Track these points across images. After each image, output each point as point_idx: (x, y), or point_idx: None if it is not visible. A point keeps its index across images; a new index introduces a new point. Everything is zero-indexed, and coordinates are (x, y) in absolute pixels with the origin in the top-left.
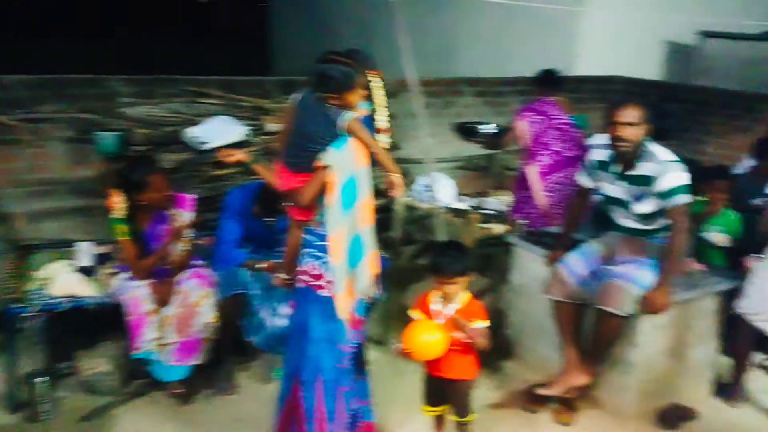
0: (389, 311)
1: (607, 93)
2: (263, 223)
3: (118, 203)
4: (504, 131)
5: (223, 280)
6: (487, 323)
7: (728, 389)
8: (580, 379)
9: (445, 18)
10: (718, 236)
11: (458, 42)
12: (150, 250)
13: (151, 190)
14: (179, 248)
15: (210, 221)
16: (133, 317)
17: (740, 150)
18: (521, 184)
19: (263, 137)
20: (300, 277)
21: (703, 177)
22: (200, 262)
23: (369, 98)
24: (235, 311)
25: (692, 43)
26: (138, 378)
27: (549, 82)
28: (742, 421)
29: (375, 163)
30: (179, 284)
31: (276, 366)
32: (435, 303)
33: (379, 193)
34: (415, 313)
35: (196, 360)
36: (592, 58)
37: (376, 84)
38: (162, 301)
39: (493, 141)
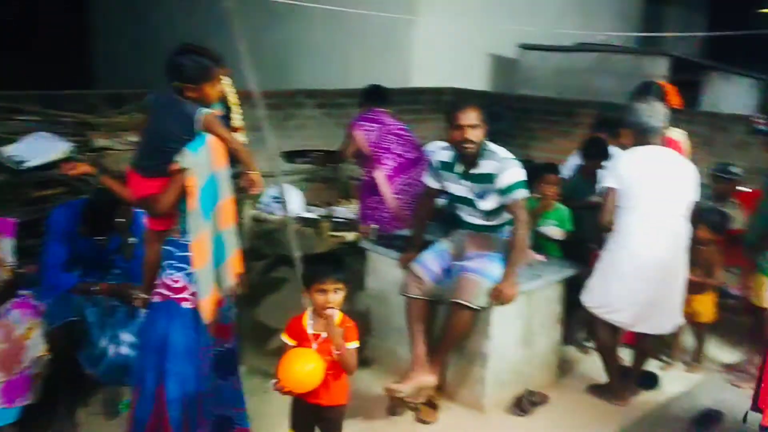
0: (241, 327)
1: (440, 104)
2: (93, 242)
3: None
4: (330, 152)
5: (52, 308)
6: (357, 344)
7: (606, 389)
8: (427, 379)
9: (281, 29)
10: (553, 230)
11: (295, 53)
12: None
13: None
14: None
15: (33, 247)
16: None
17: (563, 152)
18: (368, 191)
19: (90, 154)
20: (159, 291)
21: (534, 174)
22: (25, 291)
23: (222, 99)
24: (68, 341)
25: (513, 55)
26: None
27: (377, 96)
28: (588, 401)
29: (234, 161)
30: (1, 317)
31: (122, 398)
32: (311, 325)
33: (239, 190)
34: (286, 339)
35: (26, 400)
36: (426, 70)
37: (227, 83)
38: None
39: (328, 158)
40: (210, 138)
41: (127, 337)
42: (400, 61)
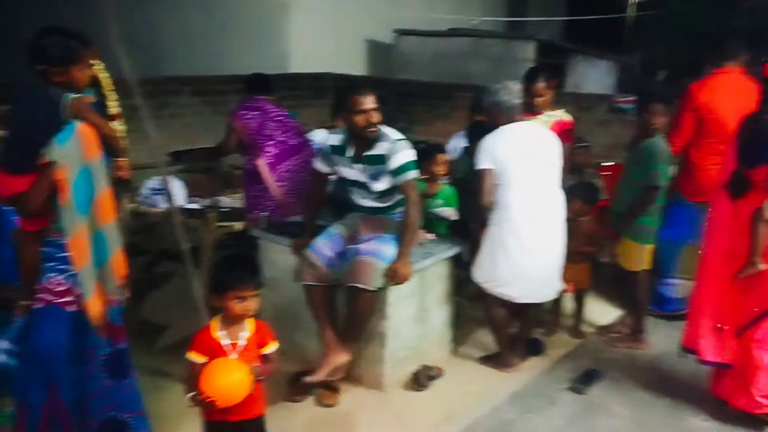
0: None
1: (319, 90)
2: None
3: None
4: (215, 148)
5: None
6: (277, 345)
7: (496, 358)
8: (342, 357)
9: (153, 13)
10: (447, 210)
11: (169, 39)
12: None
13: None
14: None
15: None
16: None
17: (444, 134)
18: (252, 179)
19: None
20: (41, 296)
21: (423, 155)
22: None
23: (94, 85)
24: None
25: (390, 40)
26: None
27: (259, 85)
28: (481, 371)
29: (109, 149)
30: None
31: (2, 409)
32: (225, 336)
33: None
34: (195, 356)
35: None
36: (304, 55)
37: (99, 67)
38: None
39: (214, 152)
40: (80, 126)
41: (2, 344)
42: (278, 47)
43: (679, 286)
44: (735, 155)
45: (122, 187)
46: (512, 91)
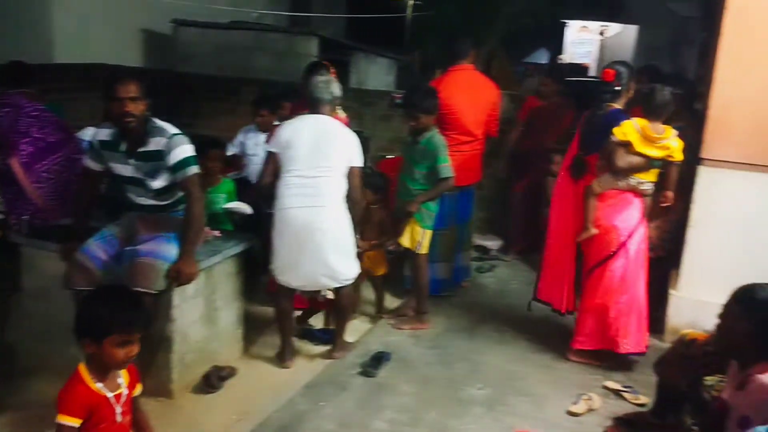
0: None
1: (91, 81)
2: None
3: None
4: None
5: None
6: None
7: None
8: None
9: None
10: (241, 205)
11: None
12: None
13: None
14: None
15: None
16: None
17: (230, 129)
18: (6, 181)
19: None
20: None
21: (199, 150)
22: None
23: None
24: None
25: (168, 31)
26: None
27: (14, 76)
28: (274, 370)
29: None
30: None
31: None
32: (104, 387)
33: None
34: (70, 420)
35: None
36: (72, 44)
37: None
38: None
39: None
40: None
41: None
42: (39, 34)
43: (439, 269)
44: (576, 144)
45: None
46: (329, 86)
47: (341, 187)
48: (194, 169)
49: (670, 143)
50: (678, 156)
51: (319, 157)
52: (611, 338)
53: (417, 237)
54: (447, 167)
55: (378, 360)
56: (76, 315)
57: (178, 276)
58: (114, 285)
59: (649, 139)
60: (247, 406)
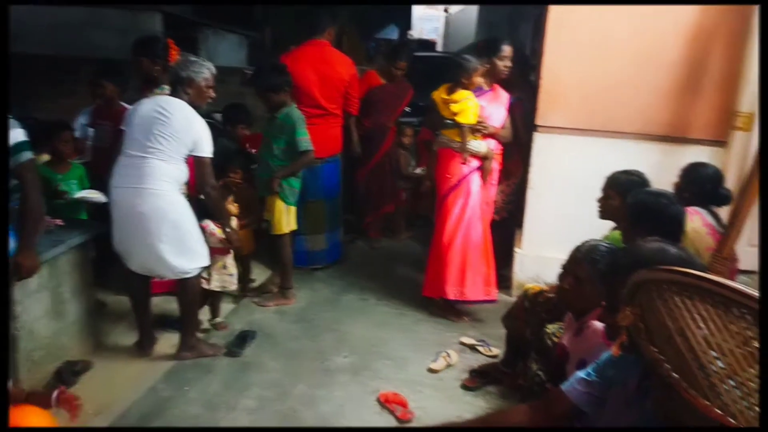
0: None
1: None
2: None
3: None
4: None
5: None
6: None
7: (138, 343)
8: None
9: None
10: (93, 193)
11: None
12: None
13: None
14: None
15: None
16: None
17: (69, 111)
18: None
19: None
20: None
21: (45, 133)
22: None
23: None
24: None
25: None
26: None
27: None
28: (133, 360)
29: None
30: None
31: None
32: None
33: None
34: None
35: None
36: None
37: None
38: None
39: None
40: None
41: None
42: None
43: (308, 241)
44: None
45: None
46: (188, 65)
47: (174, 173)
48: (27, 155)
49: (458, 107)
50: (462, 119)
51: (149, 139)
52: (450, 285)
53: (282, 215)
54: (306, 140)
55: (243, 339)
56: None
57: (18, 270)
58: None
59: (444, 102)
60: (104, 399)
